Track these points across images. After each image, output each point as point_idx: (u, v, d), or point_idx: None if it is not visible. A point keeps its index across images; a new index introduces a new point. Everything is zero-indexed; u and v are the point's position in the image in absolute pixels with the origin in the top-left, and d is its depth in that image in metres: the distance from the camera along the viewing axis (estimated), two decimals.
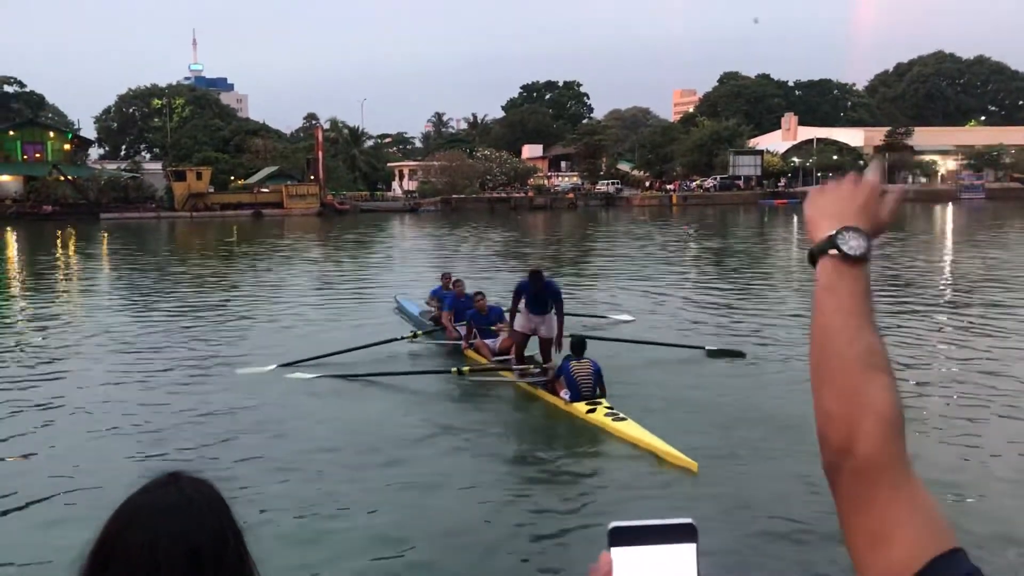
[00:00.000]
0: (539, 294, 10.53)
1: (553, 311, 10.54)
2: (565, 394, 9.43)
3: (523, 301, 10.56)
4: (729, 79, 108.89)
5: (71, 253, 38.47)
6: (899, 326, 13.95)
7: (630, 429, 8.37)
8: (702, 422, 8.85)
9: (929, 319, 15.32)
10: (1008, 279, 20.72)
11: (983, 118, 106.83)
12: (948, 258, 28.66)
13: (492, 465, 7.85)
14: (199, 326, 15.77)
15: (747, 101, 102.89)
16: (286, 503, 6.83)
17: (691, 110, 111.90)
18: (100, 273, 29.15)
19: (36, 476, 7.71)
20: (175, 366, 12.15)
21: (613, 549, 0.85)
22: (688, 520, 0.86)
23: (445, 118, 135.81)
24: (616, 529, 0.86)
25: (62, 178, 69.38)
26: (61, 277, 27.88)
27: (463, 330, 12.54)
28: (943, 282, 21.62)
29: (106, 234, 48.07)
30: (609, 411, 8.88)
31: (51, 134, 76.18)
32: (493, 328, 12.22)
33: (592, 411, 9.00)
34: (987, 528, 6.03)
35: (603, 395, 9.43)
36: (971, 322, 14.76)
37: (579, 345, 9.78)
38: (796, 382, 10.45)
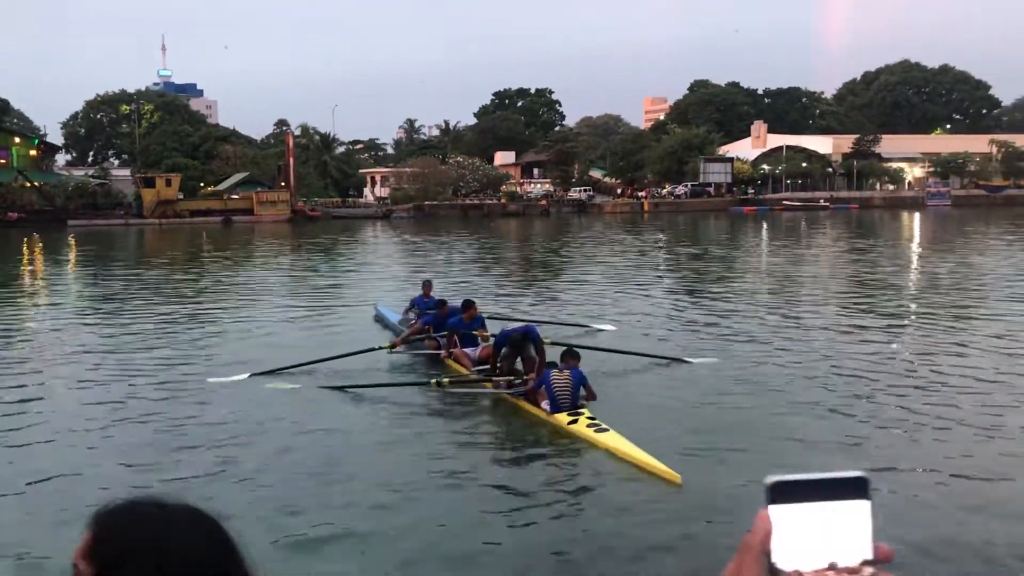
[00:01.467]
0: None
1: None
2: (546, 404, 9.34)
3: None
4: (699, 87, 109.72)
5: (37, 261, 37.78)
6: (889, 328, 14.02)
7: (613, 440, 8.28)
8: (685, 433, 8.78)
9: (910, 323, 15.46)
10: (979, 285, 20.99)
11: (948, 126, 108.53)
12: (918, 263, 28.98)
13: (470, 479, 7.70)
14: (169, 334, 15.46)
15: (717, 109, 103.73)
16: (255, 516, 6.62)
17: (662, 118, 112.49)
18: (67, 281, 28.64)
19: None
20: (144, 374, 11.88)
21: (772, 507, 0.78)
22: (860, 474, 0.78)
23: (417, 125, 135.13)
24: (776, 484, 0.78)
25: (28, 184, 68.32)
26: (26, 286, 27.32)
27: (443, 340, 12.44)
28: (914, 285, 21.83)
29: (73, 241, 47.30)
30: (592, 422, 8.78)
31: (16, 139, 75.10)
32: (475, 333, 12.14)
33: (574, 422, 8.89)
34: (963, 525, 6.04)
35: (593, 399, 9.38)
36: (947, 324, 14.89)
37: (564, 354, 9.73)
38: (779, 391, 10.47)
